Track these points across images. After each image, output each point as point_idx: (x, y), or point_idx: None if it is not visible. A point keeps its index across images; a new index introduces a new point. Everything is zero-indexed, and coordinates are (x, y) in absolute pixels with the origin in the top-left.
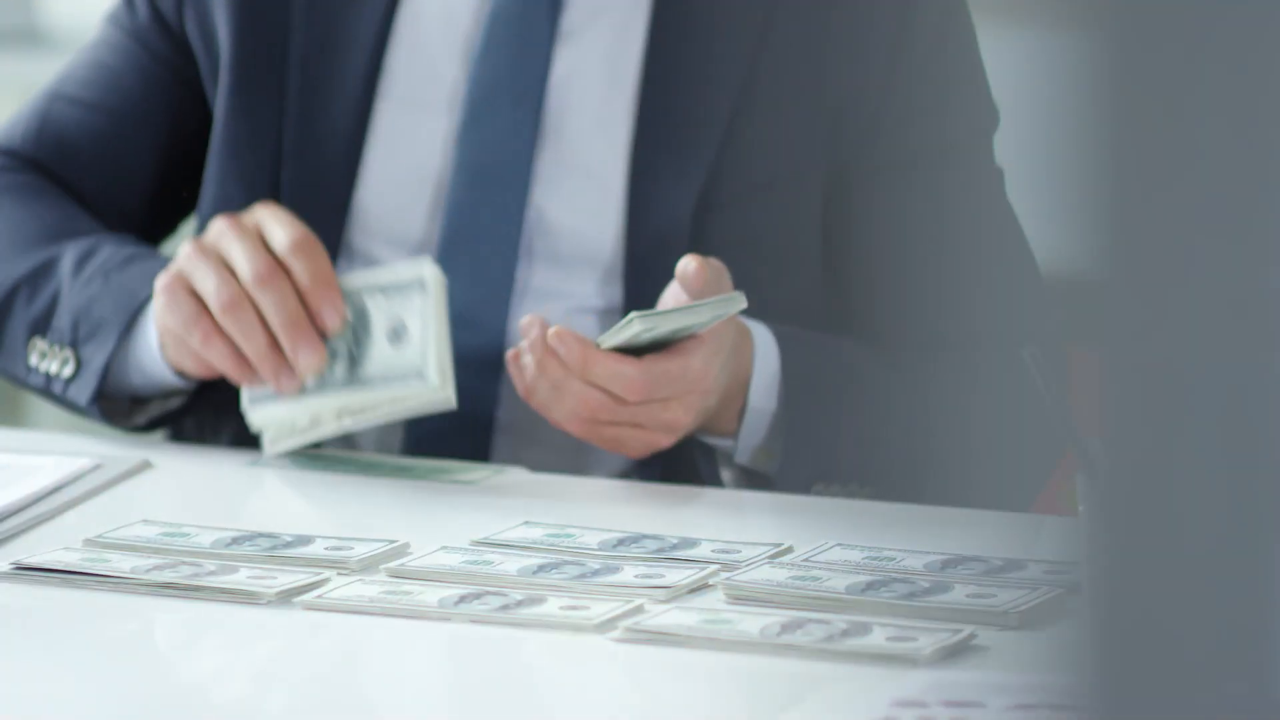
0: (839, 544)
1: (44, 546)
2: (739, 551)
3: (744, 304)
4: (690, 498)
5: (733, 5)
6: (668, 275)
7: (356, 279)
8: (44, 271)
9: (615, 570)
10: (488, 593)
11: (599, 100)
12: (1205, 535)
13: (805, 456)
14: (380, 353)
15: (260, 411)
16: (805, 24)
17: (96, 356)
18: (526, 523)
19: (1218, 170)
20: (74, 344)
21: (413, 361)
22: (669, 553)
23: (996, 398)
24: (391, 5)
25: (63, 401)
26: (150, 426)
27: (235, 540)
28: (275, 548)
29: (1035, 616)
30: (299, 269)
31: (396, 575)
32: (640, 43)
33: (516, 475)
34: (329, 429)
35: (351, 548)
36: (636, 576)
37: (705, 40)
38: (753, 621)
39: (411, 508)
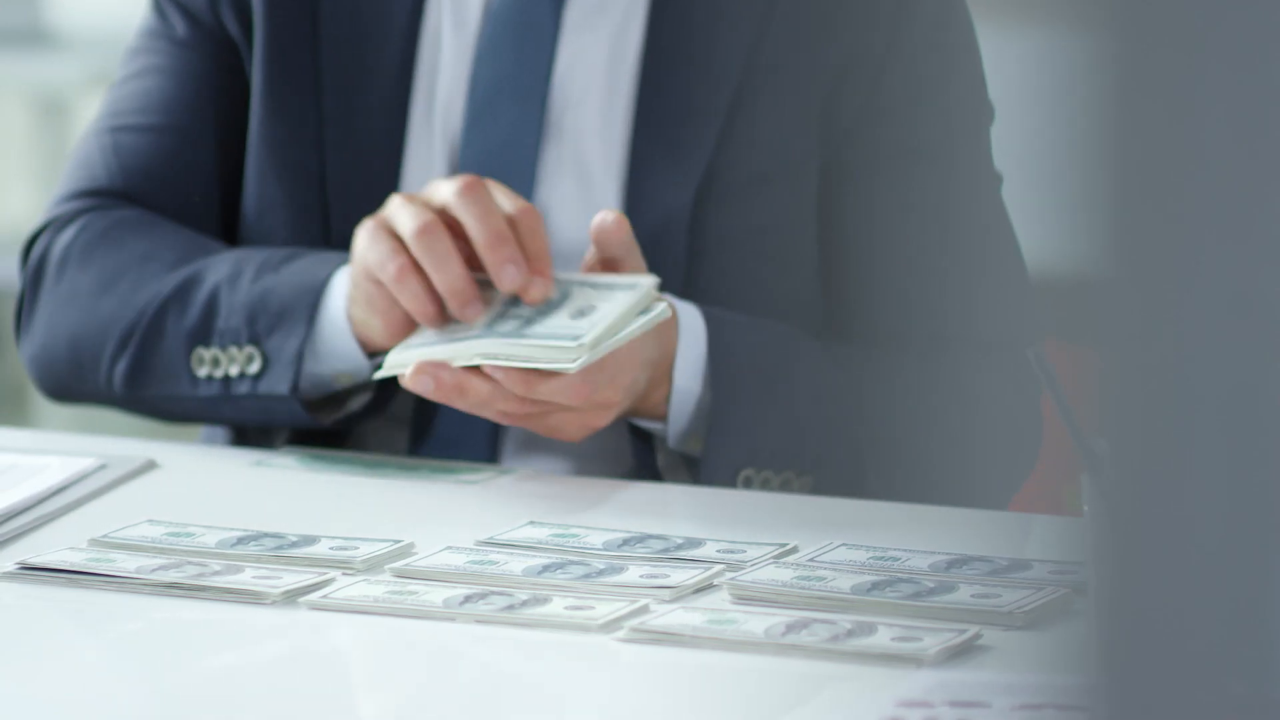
0: (844, 544)
1: (49, 546)
2: (744, 551)
3: (655, 281)
4: (695, 498)
5: None
6: (665, 269)
7: (577, 275)
8: (190, 285)
9: (620, 570)
10: (492, 593)
11: (601, 95)
12: (1210, 535)
13: (730, 440)
14: (557, 321)
15: (404, 353)
16: (803, 16)
17: (288, 344)
18: (531, 523)
19: (1221, 169)
20: (255, 339)
21: (577, 328)
22: (674, 553)
23: (970, 395)
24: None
25: (250, 402)
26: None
27: (240, 540)
28: (280, 548)
29: (1040, 617)
30: (523, 231)
31: (401, 575)
32: (639, 37)
33: (521, 476)
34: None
35: (356, 548)
36: (641, 576)
37: (704, 33)
38: (758, 621)
39: (416, 508)
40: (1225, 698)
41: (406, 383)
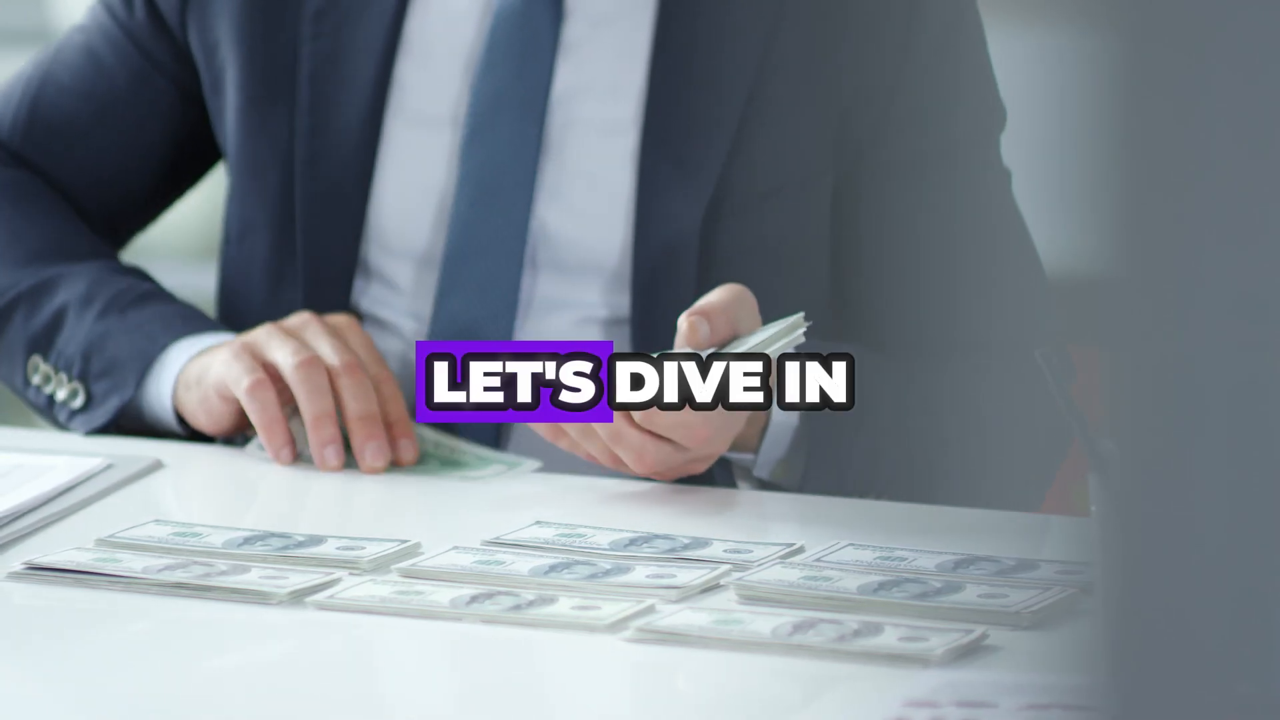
0: (851, 544)
1: (56, 546)
2: (750, 551)
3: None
4: (701, 498)
5: (739, 13)
6: (676, 284)
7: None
8: (45, 289)
9: (626, 570)
10: (499, 593)
11: (603, 110)
12: (1216, 536)
13: (828, 469)
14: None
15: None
16: (812, 28)
17: (111, 398)
18: (538, 523)
19: (1228, 170)
20: (84, 377)
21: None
22: (680, 553)
23: (1005, 400)
24: (399, 17)
25: (60, 425)
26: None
27: (247, 540)
28: (287, 547)
29: (1047, 617)
30: (385, 393)
31: (408, 575)
32: (645, 53)
33: (528, 475)
34: None
35: (363, 547)
36: (648, 576)
37: (712, 49)
38: (764, 622)
39: (423, 507)
40: (1231, 697)
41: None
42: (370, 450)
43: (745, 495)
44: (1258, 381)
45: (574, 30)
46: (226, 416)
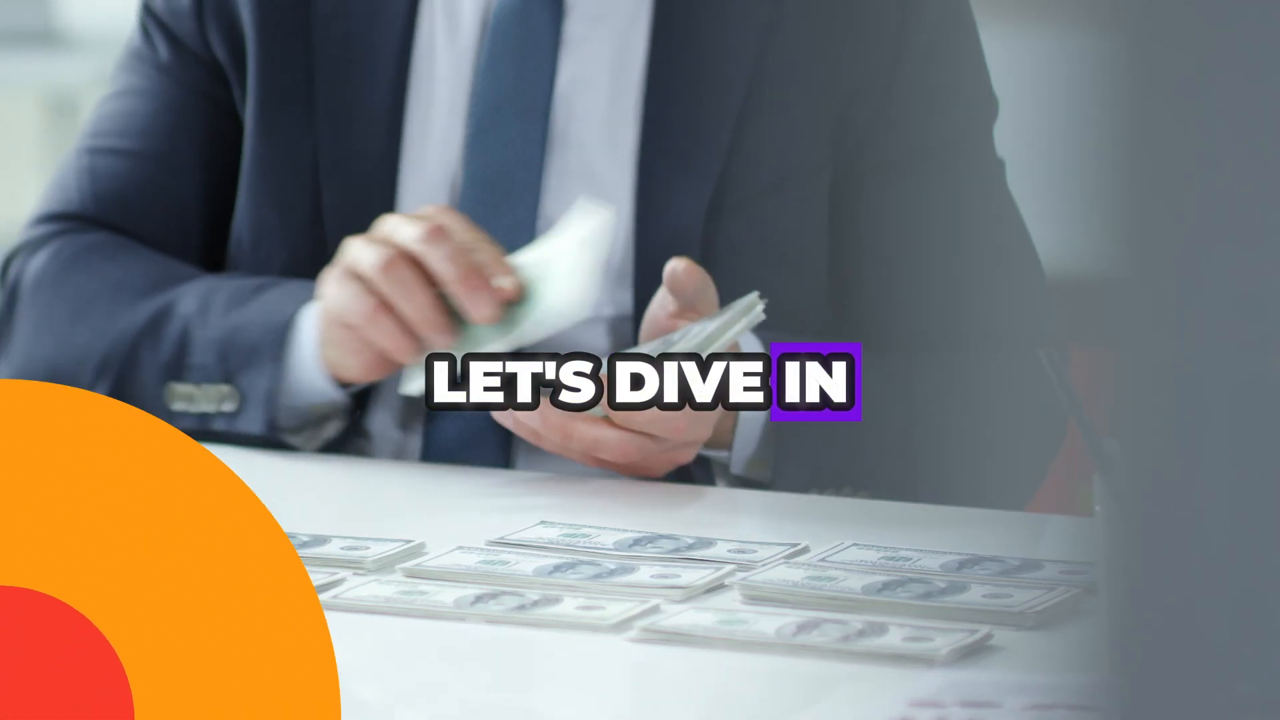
0: (855, 544)
1: None
2: (755, 551)
3: (761, 306)
4: (706, 498)
5: (735, 9)
6: None
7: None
8: (162, 318)
9: (631, 570)
10: (503, 593)
11: (604, 107)
12: (1220, 536)
13: (798, 464)
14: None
15: (416, 385)
16: (809, 24)
17: (258, 384)
18: (542, 522)
19: (1233, 169)
20: (227, 377)
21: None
22: (685, 553)
23: (995, 394)
24: (410, 20)
25: (228, 436)
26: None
27: None
28: None
29: (1052, 617)
30: (472, 244)
31: (412, 575)
32: (643, 48)
33: (529, 477)
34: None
35: (367, 547)
36: (652, 576)
37: (709, 44)
38: (768, 622)
39: (427, 507)
40: (1235, 698)
41: (501, 415)
42: (474, 302)
43: (748, 495)
44: (1261, 381)
45: (574, 27)
46: (364, 347)
